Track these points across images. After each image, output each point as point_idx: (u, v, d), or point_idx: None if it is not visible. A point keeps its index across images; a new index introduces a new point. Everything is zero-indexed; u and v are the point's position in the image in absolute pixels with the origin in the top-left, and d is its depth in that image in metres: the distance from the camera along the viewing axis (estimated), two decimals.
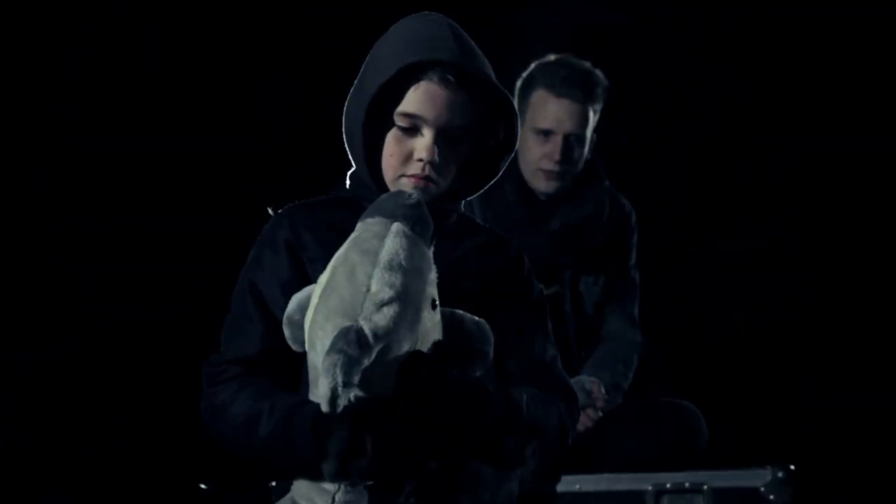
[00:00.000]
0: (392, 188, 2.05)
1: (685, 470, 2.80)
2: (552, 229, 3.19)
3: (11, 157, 3.56)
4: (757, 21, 4.02)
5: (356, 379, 1.70)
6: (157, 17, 3.67)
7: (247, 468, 2.06)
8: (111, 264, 3.62)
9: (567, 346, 3.15)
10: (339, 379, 1.69)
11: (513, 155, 2.16)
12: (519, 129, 2.14)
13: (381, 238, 1.84)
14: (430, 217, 1.89)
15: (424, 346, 1.84)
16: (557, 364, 2.15)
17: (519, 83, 3.20)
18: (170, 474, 3.44)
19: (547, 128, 3.13)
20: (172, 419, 3.27)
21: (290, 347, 1.92)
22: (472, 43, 2.07)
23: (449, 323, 1.90)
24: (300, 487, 1.92)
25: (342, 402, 1.70)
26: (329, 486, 1.87)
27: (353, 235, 1.88)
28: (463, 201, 2.18)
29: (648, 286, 3.42)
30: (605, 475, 2.79)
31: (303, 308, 1.88)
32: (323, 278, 1.86)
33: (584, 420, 3.02)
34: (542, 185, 3.18)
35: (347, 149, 2.11)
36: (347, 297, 1.79)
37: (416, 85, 2.02)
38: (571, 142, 3.14)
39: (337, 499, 1.86)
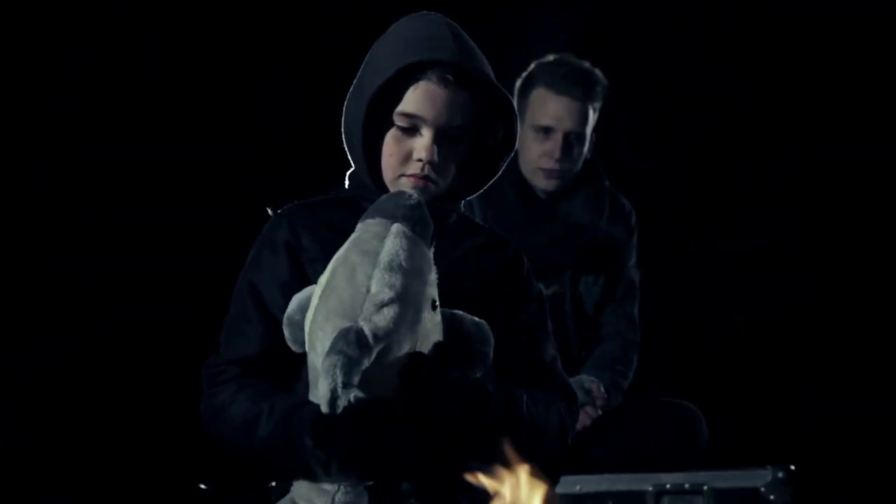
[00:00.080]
0: (391, 188, 2.05)
1: (685, 470, 2.80)
2: (552, 229, 3.19)
3: (11, 157, 3.55)
4: (757, 21, 4.02)
5: (356, 380, 1.70)
6: (157, 17, 3.67)
7: (247, 468, 2.06)
8: (111, 264, 3.62)
9: (567, 346, 3.15)
10: (339, 380, 1.69)
11: (512, 154, 2.16)
12: (518, 129, 2.14)
13: (382, 239, 1.83)
14: (431, 218, 1.89)
15: (424, 347, 1.84)
16: (557, 364, 2.15)
17: (518, 83, 3.21)
18: (170, 474, 3.44)
19: (547, 125, 3.14)
20: (172, 419, 3.27)
21: (289, 348, 1.92)
22: (472, 43, 2.07)
23: (449, 324, 1.90)
24: (300, 488, 1.92)
25: (342, 403, 1.70)
26: (328, 487, 1.87)
27: (353, 236, 1.88)
28: (462, 201, 2.17)
29: (648, 286, 3.42)
30: (606, 475, 2.79)
31: (303, 308, 1.88)
32: (323, 279, 1.85)
33: (583, 418, 3.02)
34: (542, 183, 3.18)
35: (346, 149, 2.11)
36: (347, 298, 1.79)
37: (416, 85, 2.02)
38: (571, 140, 3.15)
39: (336, 499, 1.87)
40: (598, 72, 3.20)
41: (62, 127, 3.60)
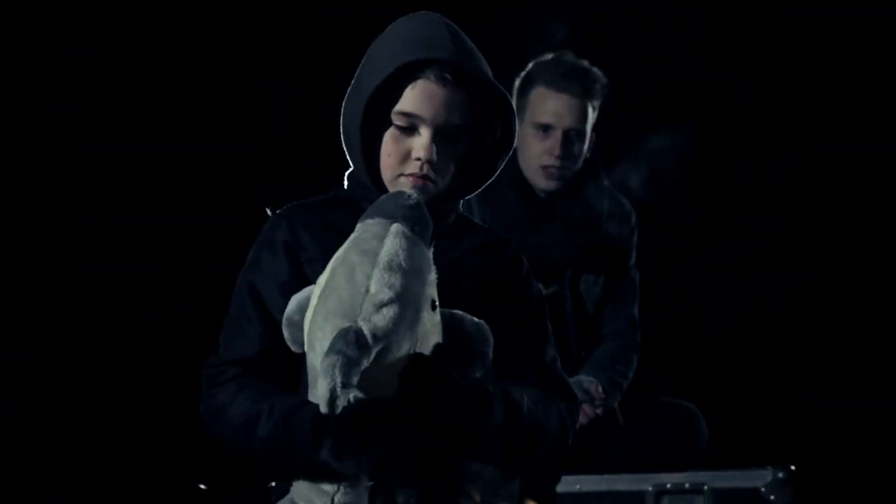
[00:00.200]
0: (390, 188, 2.04)
1: (685, 470, 2.80)
2: (552, 228, 3.19)
3: (11, 157, 3.55)
4: (757, 21, 4.02)
5: (355, 380, 1.70)
6: (157, 17, 3.67)
7: (247, 468, 2.05)
8: (111, 264, 3.62)
9: (567, 346, 3.15)
10: (338, 380, 1.69)
11: (511, 153, 2.16)
12: (517, 128, 2.14)
13: (381, 239, 1.83)
14: (430, 217, 1.89)
15: (424, 347, 1.84)
16: (557, 365, 2.15)
17: (518, 82, 3.22)
18: (170, 474, 3.44)
19: (547, 122, 3.15)
20: (172, 419, 3.27)
21: (289, 348, 1.92)
22: (470, 42, 2.07)
23: (448, 324, 1.90)
24: (299, 488, 1.91)
25: (341, 403, 1.70)
26: (328, 487, 1.87)
27: (352, 236, 1.88)
28: (461, 201, 2.17)
29: (648, 286, 3.42)
30: (606, 475, 2.80)
31: (302, 309, 1.88)
32: (322, 279, 1.85)
33: (581, 418, 3.02)
34: (542, 182, 3.18)
35: (345, 149, 2.11)
36: (346, 298, 1.79)
37: (414, 84, 2.01)
38: (571, 137, 3.16)
39: (336, 499, 1.86)
40: (596, 70, 3.20)
41: (62, 127, 3.60)
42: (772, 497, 2.72)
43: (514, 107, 2.99)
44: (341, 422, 1.79)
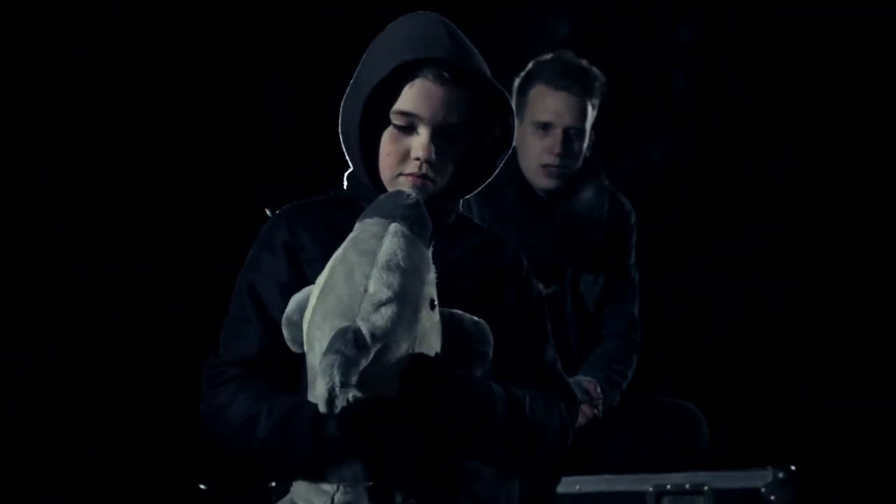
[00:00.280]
0: (389, 187, 2.04)
1: (686, 471, 2.80)
2: (552, 227, 3.19)
3: (11, 157, 3.55)
4: (757, 21, 4.02)
5: (354, 379, 1.70)
6: (157, 17, 3.67)
7: (247, 469, 2.05)
8: (111, 264, 3.62)
9: (567, 346, 3.15)
10: (337, 379, 1.68)
11: (510, 152, 2.15)
12: (515, 127, 2.14)
13: (380, 238, 1.83)
14: (429, 217, 1.89)
15: (423, 347, 1.83)
16: (557, 366, 2.15)
17: (517, 81, 3.22)
18: (170, 474, 3.44)
19: (546, 121, 3.15)
20: (172, 419, 3.27)
21: (288, 349, 1.92)
22: (468, 41, 2.07)
23: (448, 323, 1.90)
24: (299, 488, 1.91)
25: (340, 403, 1.69)
26: (328, 487, 1.87)
27: (351, 236, 1.87)
28: (461, 200, 2.17)
29: (648, 286, 3.42)
30: (606, 476, 2.80)
31: (302, 309, 1.88)
32: (321, 279, 1.85)
33: (580, 418, 3.01)
34: (542, 181, 3.19)
35: (344, 149, 2.11)
36: (345, 298, 1.79)
37: (412, 83, 2.01)
38: (571, 135, 3.16)
39: (336, 499, 1.86)
40: (595, 69, 3.21)
41: (62, 127, 3.60)
42: (772, 497, 2.72)
43: (514, 106, 2.99)
44: (340, 421, 1.79)
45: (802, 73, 4.03)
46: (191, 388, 2.12)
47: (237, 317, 2.05)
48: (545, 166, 3.17)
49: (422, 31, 2.04)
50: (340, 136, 2.10)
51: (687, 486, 2.76)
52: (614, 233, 3.28)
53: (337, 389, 1.69)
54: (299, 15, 3.76)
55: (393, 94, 2.02)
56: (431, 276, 1.87)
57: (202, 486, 2.79)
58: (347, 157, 2.11)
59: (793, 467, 2.74)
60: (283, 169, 3.69)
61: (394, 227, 1.84)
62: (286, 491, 1.96)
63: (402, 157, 2.04)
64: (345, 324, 1.75)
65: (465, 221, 2.19)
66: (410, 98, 2.01)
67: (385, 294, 1.77)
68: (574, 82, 3.15)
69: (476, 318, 1.92)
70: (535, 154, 3.17)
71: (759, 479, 2.74)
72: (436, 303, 1.87)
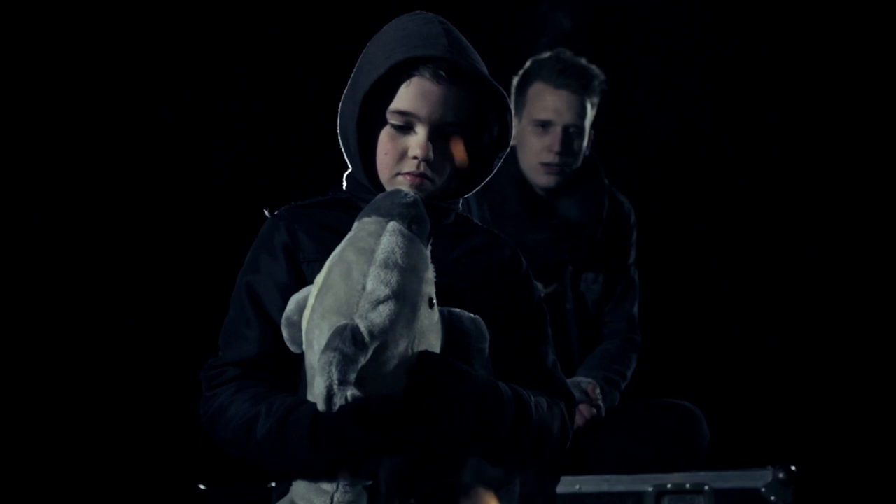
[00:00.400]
0: (388, 187, 2.04)
1: (686, 471, 2.80)
2: (551, 225, 3.20)
3: (11, 157, 3.55)
4: (757, 21, 4.02)
5: (352, 377, 1.69)
6: (157, 16, 3.66)
7: (247, 469, 2.05)
8: (111, 264, 3.62)
9: (567, 344, 3.16)
10: (335, 377, 1.68)
11: (507, 151, 2.15)
12: (513, 125, 2.14)
13: (377, 237, 1.83)
14: (427, 216, 1.88)
15: (422, 345, 1.83)
16: (557, 368, 2.15)
17: (516, 80, 3.23)
18: (170, 474, 3.44)
19: (546, 119, 3.15)
20: (172, 420, 3.27)
21: (287, 350, 1.92)
22: (465, 40, 2.07)
23: (447, 322, 1.90)
24: (298, 488, 1.91)
25: (338, 401, 1.69)
26: (327, 486, 1.87)
27: (349, 234, 1.87)
28: (461, 199, 2.17)
29: (648, 286, 3.42)
30: (606, 476, 2.80)
31: (301, 309, 1.88)
32: (319, 278, 1.85)
33: (578, 418, 3.02)
34: (542, 180, 3.19)
35: (342, 148, 2.11)
36: (343, 296, 1.79)
37: (408, 82, 2.01)
38: (571, 133, 3.16)
39: (335, 499, 1.86)
40: (594, 67, 3.21)
41: (62, 127, 3.60)
42: (772, 497, 2.72)
43: (513, 104, 2.99)
44: (339, 420, 1.79)
45: (802, 73, 4.03)
46: (191, 389, 2.12)
47: (236, 318, 2.05)
48: (545, 164, 3.17)
49: (418, 30, 2.04)
50: (339, 137, 2.10)
51: (687, 486, 2.76)
52: (614, 232, 3.28)
53: (335, 387, 1.68)
54: (299, 15, 3.76)
55: (390, 93, 2.02)
56: (430, 274, 1.87)
57: (202, 486, 2.78)
58: (346, 157, 2.11)
59: (793, 467, 2.74)
60: (283, 169, 3.69)
61: (392, 225, 1.84)
62: (286, 491, 1.96)
63: (400, 156, 2.04)
64: (343, 322, 1.75)
65: (465, 221, 2.19)
66: (407, 97, 2.01)
67: (383, 292, 1.77)
68: (573, 80, 3.15)
69: (472, 315, 1.92)
70: (535, 152, 3.17)
71: (759, 479, 2.74)
72: (434, 301, 1.87)
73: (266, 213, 2.12)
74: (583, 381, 3.08)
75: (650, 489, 2.76)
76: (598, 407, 3.07)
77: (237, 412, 1.95)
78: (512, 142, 2.18)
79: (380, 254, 1.81)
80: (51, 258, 3.57)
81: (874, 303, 4.02)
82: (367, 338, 1.73)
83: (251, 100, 3.74)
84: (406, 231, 1.84)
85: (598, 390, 3.08)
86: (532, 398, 2.00)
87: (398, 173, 2.05)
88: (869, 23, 3.98)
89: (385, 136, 2.05)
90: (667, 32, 3.99)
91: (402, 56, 2.00)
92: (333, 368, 1.69)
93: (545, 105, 3.16)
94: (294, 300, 1.90)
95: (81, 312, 3.57)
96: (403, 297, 1.79)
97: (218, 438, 1.99)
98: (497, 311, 2.02)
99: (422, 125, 2.02)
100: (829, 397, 3.95)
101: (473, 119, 2.07)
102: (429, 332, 1.85)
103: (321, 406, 1.71)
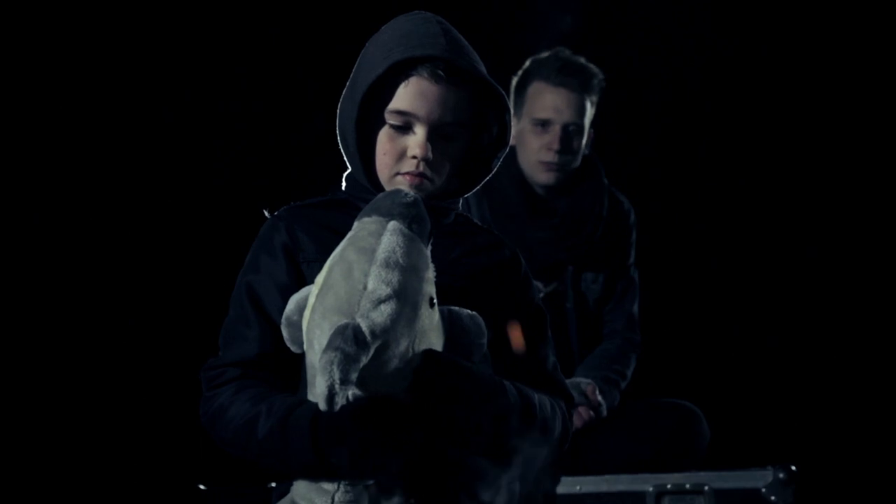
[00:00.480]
0: (387, 187, 2.04)
1: (686, 471, 2.80)
2: (551, 224, 3.20)
3: (12, 157, 3.55)
4: (757, 21, 4.02)
5: (353, 376, 1.69)
6: (157, 16, 3.66)
7: (247, 469, 2.05)
8: (111, 264, 3.62)
9: (567, 344, 3.16)
10: (336, 376, 1.68)
11: (507, 151, 2.15)
12: (512, 125, 2.14)
13: (378, 236, 1.83)
14: (428, 215, 1.88)
15: (423, 344, 1.83)
16: (557, 370, 2.15)
17: (515, 80, 3.23)
18: (170, 474, 3.44)
19: (545, 118, 3.16)
20: (172, 419, 3.27)
21: (287, 350, 1.92)
22: (464, 40, 2.07)
23: (448, 320, 1.90)
24: (299, 487, 1.91)
25: (339, 400, 1.69)
26: (328, 486, 1.87)
27: (349, 234, 1.87)
28: (461, 199, 2.17)
29: (648, 286, 3.42)
30: (606, 476, 2.79)
31: (301, 309, 1.88)
32: (320, 278, 1.85)
33: (576, 420, 3.02)
34: (541, 178, 3.19)
35: (341, 149, 2.11)
36: (344, 296, 1.79)
37: (407, 81, 2.01)
38: (570, 131, 3.17)
39: (336, 498, 1.86)
40: (593, 66, 3.21)
41: (62, 126, 3.60)
42: (772, 497, 2.71)
43: (512, 104, 2.98)
44: (340, 419, 1.79)
45: (802, 72, 4.03)
46: (191, 389, 2.12)
47: (236, 318, 2.05)
48: (544, 163, 3.17)
49: (416, 30, 2.04)
50: (338, 136, 2.10)
51: (687, 486, 2.75)
52: (614, 231, 3.28)
53: (337, 386, 1.68)
54: (299, 15, 3.76)
55: (389, 93, 2.02)
56: (430, 273, 1.87)
57: (202, 486, 2.79)
58: (345, 158, 2.11)
59: (793, 467, 2.74)
60: (283, 169, 3.69)
61: (392, 224, 1.84)
62: (287, 491, 1.96)
63: (399, 156, 2.04)
64: (344, 321, 1.75)
65: (465, 221, 2.19)
66: (406, 97, 2.01)
67: (384, 291, 1.77)
68: (573, 79, 3.15)
69: (471, 312, 1.92)
70: (535, 151, 3.17)
71: (759, 479, 2.74)
72: (435, 300, 1.87)
73: (266, 213, 2.12)
74: (582, 383, 3.08)
75: (650, 489, 2.75)
76: (598, 408, 3.07)
77: (237, 412, 1.95)
78: (511, 141, 2.18)
79: (381, 253, 1.81)
80: (51, 258, 3.57)
81: (874, 303, 4.02)
82: (368, 337, 1.73)
83: (251, 100, 3.74)
84: (406, 231, 1.84)
85: (597, 392, 3.08)
86: (535, 396, 2.01)
87: (397, 173, 2.05)
88: (869, 23, 3.98)
89: (384, 136, 2.05)
90: (667, 32, 3.99)
91: (400, 56, 2.00)
92: (335, 368, 1.68)
93: (544, 104, 3.16)
94: (294, 300, 1.90)
95: (81, 312, 3.57)
96: (405, 297, 1.79)
97: (218, 439, 1.99)
98: (497, 311, 2.02)
99: (421, 125, 2.02)
100: (829, 397, 3.95)
101: (472, 119, 2.07)
102: (430, 332, 1.85)
103: (322, 406, 1.71)
